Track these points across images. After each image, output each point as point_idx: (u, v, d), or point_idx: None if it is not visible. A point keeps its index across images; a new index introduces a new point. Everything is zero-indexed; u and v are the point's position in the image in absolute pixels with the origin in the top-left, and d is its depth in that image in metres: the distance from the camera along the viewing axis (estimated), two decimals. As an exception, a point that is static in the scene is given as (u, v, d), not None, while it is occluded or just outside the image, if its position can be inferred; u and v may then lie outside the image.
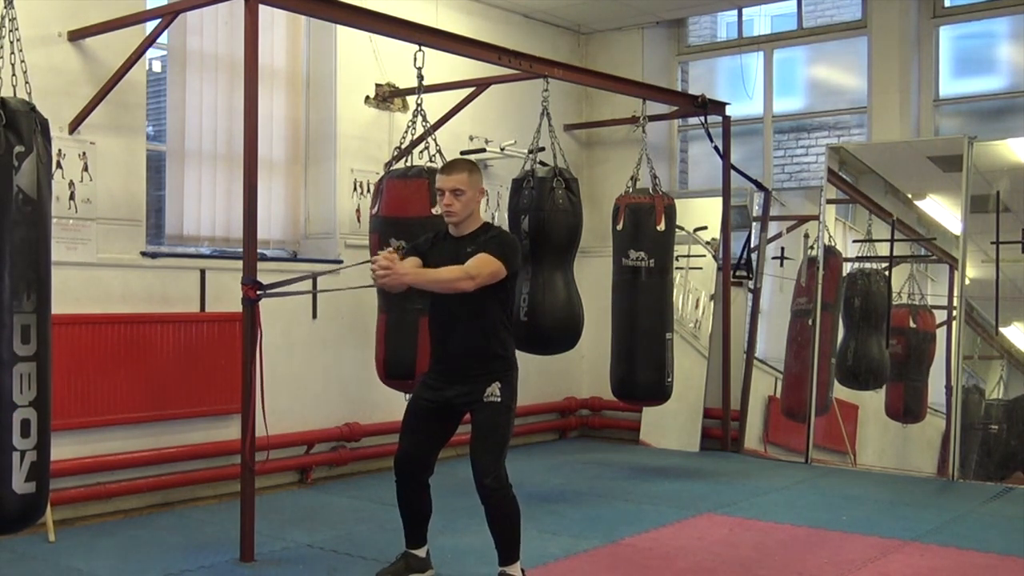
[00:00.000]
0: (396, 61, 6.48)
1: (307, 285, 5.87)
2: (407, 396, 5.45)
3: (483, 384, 3.96)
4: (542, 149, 6.13)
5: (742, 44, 8.30)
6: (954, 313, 6.76)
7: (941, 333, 6.92)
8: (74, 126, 5.24)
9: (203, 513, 5.51)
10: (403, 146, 5.90)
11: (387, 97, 6.84)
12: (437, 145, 5.67)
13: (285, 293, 5.00)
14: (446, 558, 4.49)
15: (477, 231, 4.08)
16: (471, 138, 7.37)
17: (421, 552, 4.22)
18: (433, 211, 5.22)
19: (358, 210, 6.64)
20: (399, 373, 5.39)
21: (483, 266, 3.89)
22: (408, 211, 5.30)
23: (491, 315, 4.01)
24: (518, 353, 4.20)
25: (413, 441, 4.08)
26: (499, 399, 3.96)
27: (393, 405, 6.25)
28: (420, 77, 5.64)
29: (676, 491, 6.17)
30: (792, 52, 8.28)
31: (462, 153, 6.93)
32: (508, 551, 3.98)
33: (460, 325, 3.97)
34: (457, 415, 4.12)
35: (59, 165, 5.14)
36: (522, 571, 4.02)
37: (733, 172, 7.72)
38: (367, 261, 3.99)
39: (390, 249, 3.89)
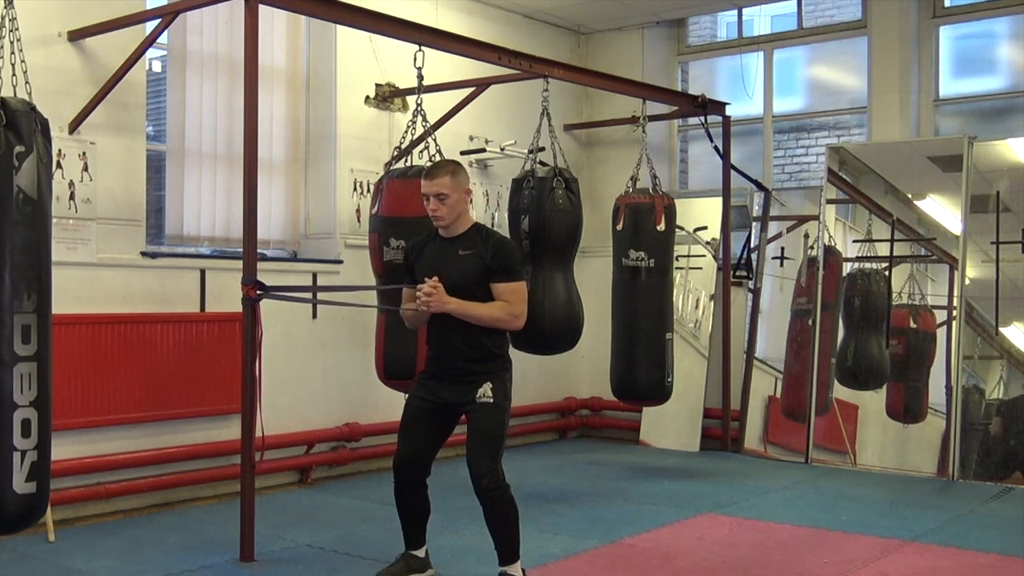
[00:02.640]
0: (396, 61, 6.48)
1: (308, 289, 5.88)
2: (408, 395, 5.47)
3: (476, 385, 3.97)
4: (542, 149, 6.13)
5: (742, 44, 8.30)
6: (954, 313, 6.77)
7: (941, 333, 6.92)
8: (74, 126, 5.24)
9: (203, 513, 5.51)
10: (403, 146, 5.90)
11: (387, 97, 6.84)
12: (437, 145, 5.67)
13: (286, 298, 5.01)
14: (446, 558, 4.49)
15: (468, 232, 4.08)
16: (471, 138, 7.38)
17: (420, 552, 4.22)
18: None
19: (358, 210, 6.64)
20: (398, 373, 5.39)
21: (519, 299, 4.00)
22: (408, 211, 5.29)
23: None
24: (517, 353, 4.22)
25: (411, 442, 4.07)
26: (491, 399, 3.97)
27: (393, 405, 6.23)
28: (420, 77, 5.64)
29: (676, 491, 6.17)
30: (792, 52, 8.28)
31: (462, 153, 6.94)
32: (508, 551, 3.99)
33: (457, 324, 3.97)
34: (454, 415, 4.12)
35: (59, 165, 5.14)
36: (522, 571, 4.02)
37: (733, 172, 7.72)
38: (408, 285, 4.11)
39: (436, 278, 3.97)
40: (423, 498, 4.15)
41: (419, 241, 4.23)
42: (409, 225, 5.19)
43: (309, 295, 6.10)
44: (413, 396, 4.15)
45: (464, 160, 6.99)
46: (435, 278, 3.96)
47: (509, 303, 3.97)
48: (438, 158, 5.55)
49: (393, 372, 5.46)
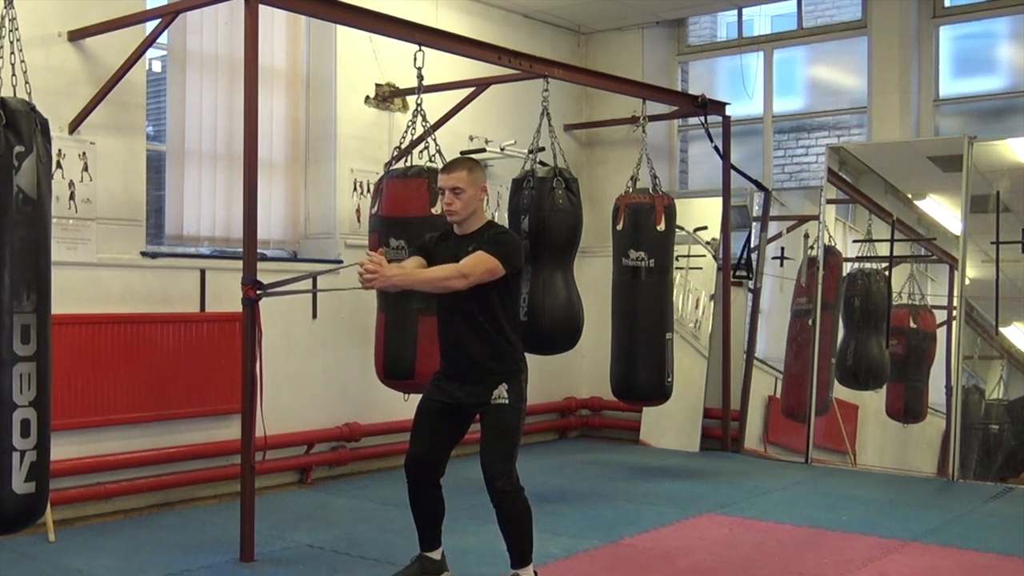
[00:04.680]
0: (396, 61, 6.48)
1: (307, 284, 5.86)
2: (406, 397, 5.45)
3: (491, 385, 3.92)
4: (542, 149, 6.13)
5: (742, 44, 8.30)
6: (954, 313, 6.76)
7: (941, 333, 6.92)
8: (74, 126, 5.24)
9: (203, 513, 5.51)
10: (403, 146, 5.90)
11: (387, 97, 6.84)
12: (437, 145, 5.67)
13: (285, 292, 5.00)
14: (447, 558, 4.48)
15: (480, 229, 4.04)
16: (471, 138, 7.38)
17: (436, 555, 4.17)
18: (433, 210, 5.22)
19: (358, 210, 6.64)
20: (398, 373, 5.38)
21: (478, 264, 3.85)
22: (408, 211, 5.30)
23: (496, 314, 3.97)
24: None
25: (423, 443, 4.02)
26: (507, 401, 3.92)
27: (393, 405, 6.24)
28: (420, 77, 5.63)
29: (676, 491, 6.17)
30: (792, 52, 8.29)
31: (462, 153, 6.93)
32: (520, 554, 3.95)
33: (466, 325, 3.93)
34: (468, 416, 4.07)
35: (59, 165, 5.14)
36: (535, 573, 4.00)
37: (733, 172, 7.72)
38: (354, 264, 3.87)
39: (381, 250, 3.82)
40: (437, 499, 4.09)
41: (436, 236, 4.14)
42: (409, 225, 5.18)
43: (308, 284, 6.05)
44: (427, 396, 4.10)
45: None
46: (380, 250, 3.85)
47: (460, 264, 3.85)
48: (439, 158, 5.57)
49: (393, 372, 5.45)
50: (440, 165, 5.50)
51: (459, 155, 6.33)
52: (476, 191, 4.02)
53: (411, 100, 6.09)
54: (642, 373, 6.33)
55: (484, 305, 3.95)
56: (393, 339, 5.37)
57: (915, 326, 7.02)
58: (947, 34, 7.58)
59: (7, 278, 3.47)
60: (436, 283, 3.85)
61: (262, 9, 4.75)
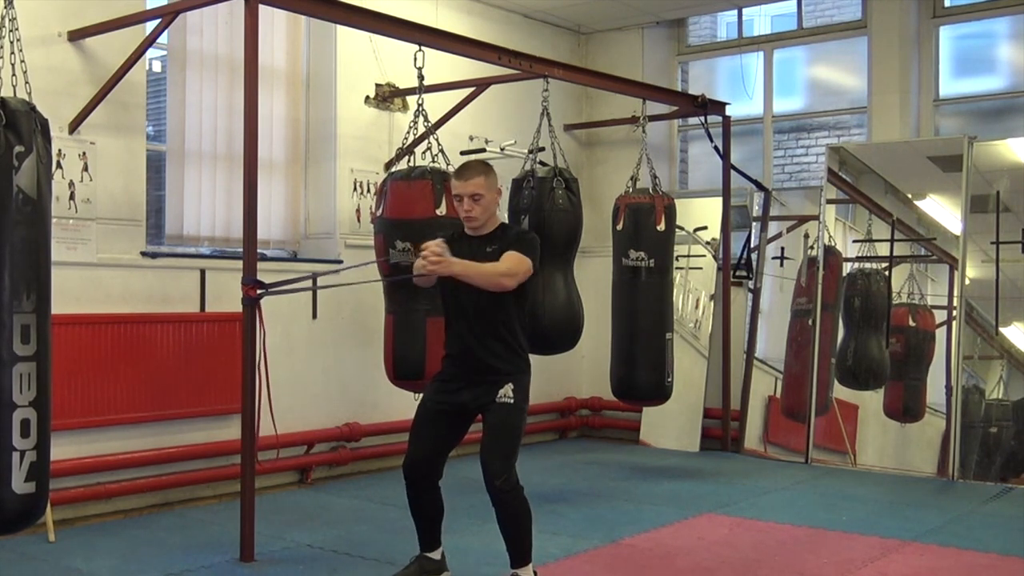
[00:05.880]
0: (396, 61, 6.48)
1: (308, 281, 5.86)
2: (416, 396, 5.46)
3: (498, 385, 3.92)
4: (542, 149, 6.13)
5: (742, 44, 8.30)
6: (954, 313, 6.76)
7: (941, 333, 6.92)
8: (74, 126, 5.24)
9: (203, 513, 5.51)
10: (404, 146, 5.89)
11: (387, 97, 6.84)
12: (440, 145, 5.66)
13: (286, 291, 5.00)
14: (447, 558, 4.48)
15: (496, 230, 4.06)
16: (471, 138, 7.37)
17: (436, 555, 4.16)
18: (438, 212, 5.22)
19: (358, 210, 6.64)
20: (408, 373, 5.39)
21: (520, 264, 3.89)
22: (412, 212, 5.29)
23: (510, 315, 3.99)
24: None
25: (423, 446, 4.01)
26: (512, 400, 3.92)
27: (393, 405, 6.26)
28: (420, 77, 5.63)
29: (676, 491, 6.17)
30: (792, 52, 8.29)
31: (462, 153, 6.94)
32: (519, 553, 3.94)
33: (480, 325, 3.93)
34: (470, 417, 4.06)
35: (59, 165, 5.14)
36: (534, 572, 3.99)
37: (733, 172, 7.72)
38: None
39: (441, 238, 3.85)
40: (436, 500, 4.08)
41: (447, 236, 4.09)
42: (414, 227, 5.18)
43: (309, 283, 6.06)
44: (428, 398, 4.08)
45: (464, 160, 6.98)
46: (440, 239, 3.83)
47: (502, 263, 3.87)
48: (440, 158, 5.56)
49: (402, 372, 5.46)
50: (442, 166, 5.53)
51: (459, 155, 6.35)
52: (494, 195, 4.03)
53: (411, 100, 6.09)
54: (642, 373, 6.33)
55: (501, 306, 3.96)
56: (402, 339, 5.39)
57: (914, 324, 7.03)
58: (947, 34, 7.58)
59: (7, 278, 3.47)
60: (492, 278, 3.85)
61: (262, 9, 4.74)
